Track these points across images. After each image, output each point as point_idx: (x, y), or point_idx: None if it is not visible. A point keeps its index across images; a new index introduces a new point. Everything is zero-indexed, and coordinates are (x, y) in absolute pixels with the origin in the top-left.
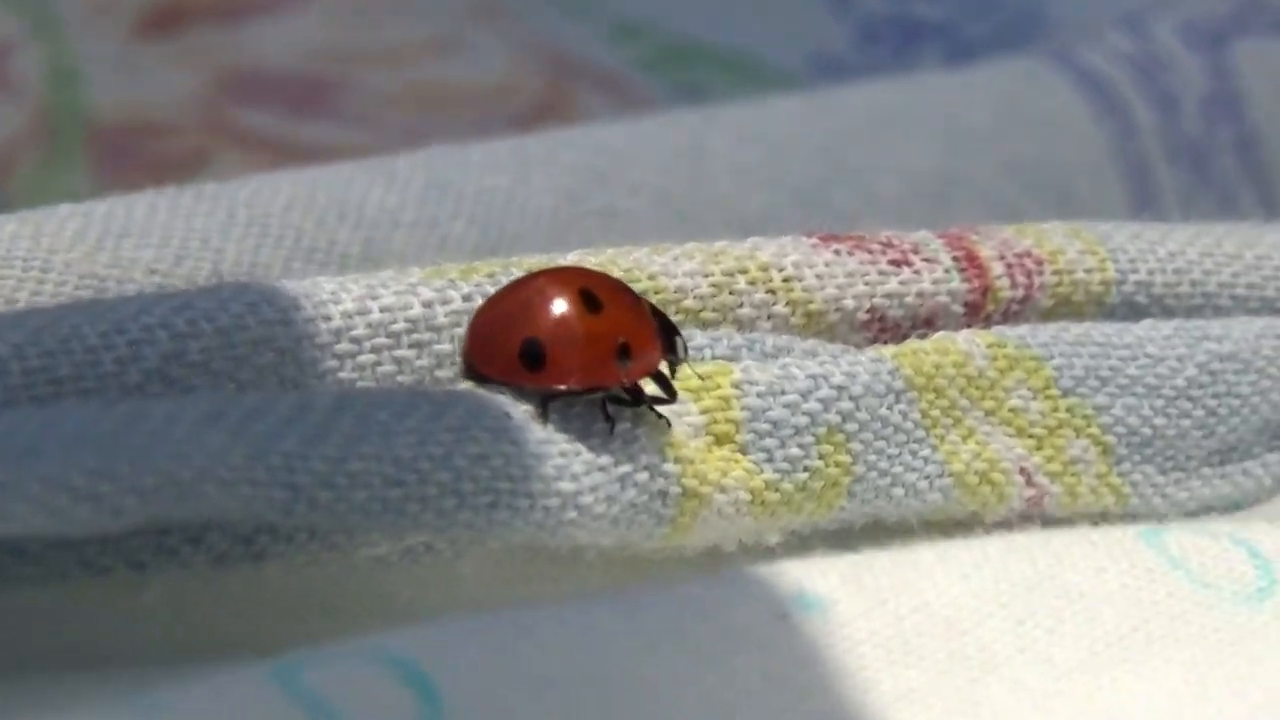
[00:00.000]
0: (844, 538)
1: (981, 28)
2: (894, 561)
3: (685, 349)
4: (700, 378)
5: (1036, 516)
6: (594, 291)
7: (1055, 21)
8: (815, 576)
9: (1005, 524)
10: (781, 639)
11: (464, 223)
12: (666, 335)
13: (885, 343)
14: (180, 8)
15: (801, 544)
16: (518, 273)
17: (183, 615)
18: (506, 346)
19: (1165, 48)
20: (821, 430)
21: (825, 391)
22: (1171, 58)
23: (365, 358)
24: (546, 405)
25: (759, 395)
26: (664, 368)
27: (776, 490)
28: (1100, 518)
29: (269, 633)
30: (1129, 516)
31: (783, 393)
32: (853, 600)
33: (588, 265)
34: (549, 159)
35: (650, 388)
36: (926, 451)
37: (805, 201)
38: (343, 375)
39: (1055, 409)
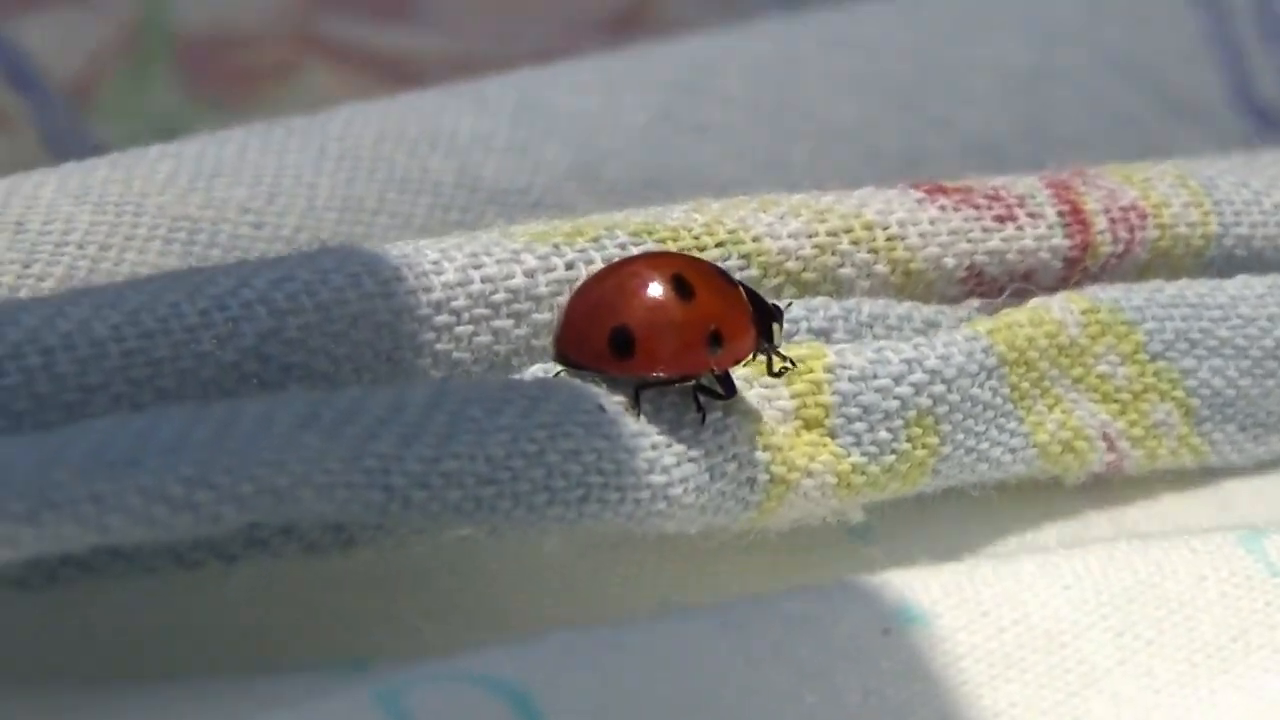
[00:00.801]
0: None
1: None
2: (995, 573)
3: (782, 334)
4: (791, 364)
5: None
6: (686, 277)
7: None
8: (918, 589)
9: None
10: (884, 654)
11: (557, 145)
12: (763, 321)
13: (980, 295)
14: None
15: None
16: (622, 235)
17: (268, 600)
18: (596, 335)
19: None
20: (912, 414)
21: (919, 376)
22: None
23: (463, 329)
24: (639, 395)
25: (851, 380)
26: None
27: (863, 473)
28: (1177, 478)
29: (355, 608)
30: (1203, 470)
31: (875, 377)
32: (955, 613)
33: (694, 226)
34: (638, 77)
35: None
36: (1013, 425)
37: (899, 105)
38: (439, 347)
39: (1143, 374)
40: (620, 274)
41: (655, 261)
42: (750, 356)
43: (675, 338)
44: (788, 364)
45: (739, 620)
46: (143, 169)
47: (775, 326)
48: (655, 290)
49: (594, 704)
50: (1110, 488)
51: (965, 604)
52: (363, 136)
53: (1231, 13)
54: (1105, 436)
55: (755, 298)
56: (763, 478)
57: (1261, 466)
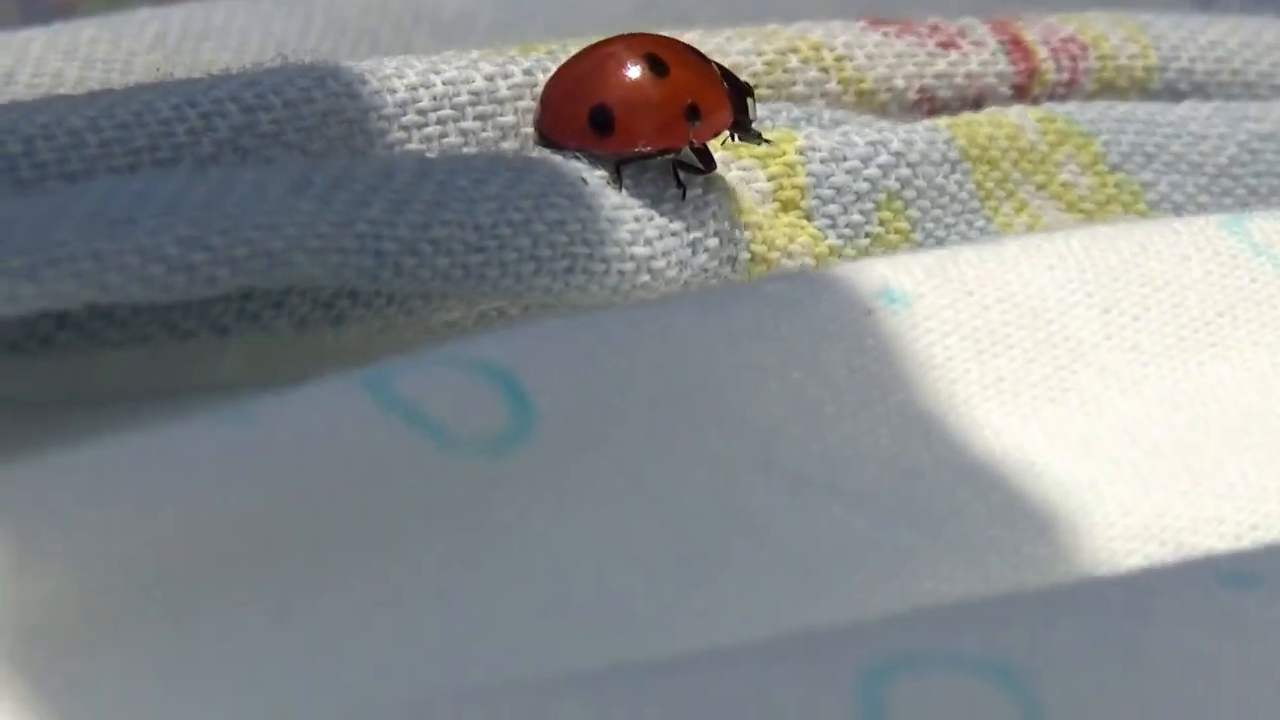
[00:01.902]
0: None
1: None
2: (979, 255)
3: (755, 108)
4: (767, 143)
5: None
6: (660, 56)
7: None
8: (900, 271)
9: None
10: (867, 333)
11: (540, 27)
12: (738, 95)
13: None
14: None
15: None
16: (575, 49)
17: (260, 378)
18: (577, 113)
19: None
20: (881, 196)
21: (884, 158)
22: None
23: (431, 129)
24: (620, 170)
25: (822, 161)
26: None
27: (840, 255)
28: None
29: None
30: None
31: (844, 159)
32: (938, 293)
33: None
34: None
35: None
36: (981, 223)
37: (881, 6)
38: (410, 147)
39: (1104, 184)
40: (596, 55)
41: (630, 42)
42: (727, 133)
43: (654, 112)
44: (765, 141)
45: (720, 301)
46: (131, 29)
47: (750, 100)
48: (632, 68)
49: (578, 380)
50: None
51: (949, 284)
52: (348, 9)
53: None
54: None
55: (728, 74)
56: (744, 256)
57: None
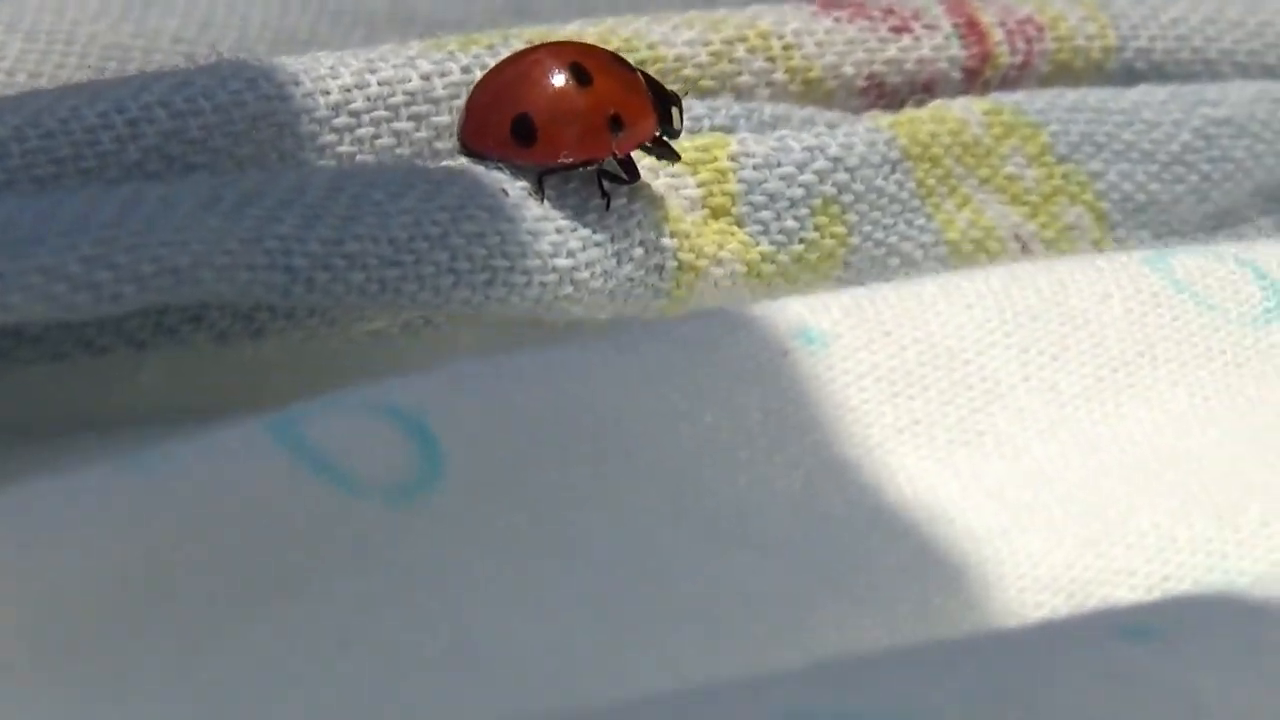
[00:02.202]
0: None
1: None
2: (897, 295)
3: (681, 119)
4: (697, 150)
5: None
6: (584, 65)
7: None
8: (818, 311)
9: None
10: (783, 374)
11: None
12: (663, 106)
13: (883, 109)
14: None
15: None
16: (518, 44)
17: (180, 393)
18: (499, 123)
19: None
20: (817, 202)
21: (821, 164)
22: None
23: (364, 130)
24: (542, 181)
25: (755, 168)
26: (661, 139)
27: (773, 262)
28: None
29: (267, 407)
30: None
31: (779, 165)
32: (855, 333)
33: (586, 37)
34: None
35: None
36: (922, 221)
37: None
38: (341, 149)
39: (1050, 176)
40: (520, 64)
41: (554, 50)
42: (651, 141)
43: (576, 122)
44: (692, 150)
45: (633, 343)
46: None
47: (674, 110)
48: (555, 77)
49: (488, 425)
50: None
51: (865, 324)
52: None
53: None
54: (1018, 238)
55: (654, 84)
56: (671, 264)
57: None
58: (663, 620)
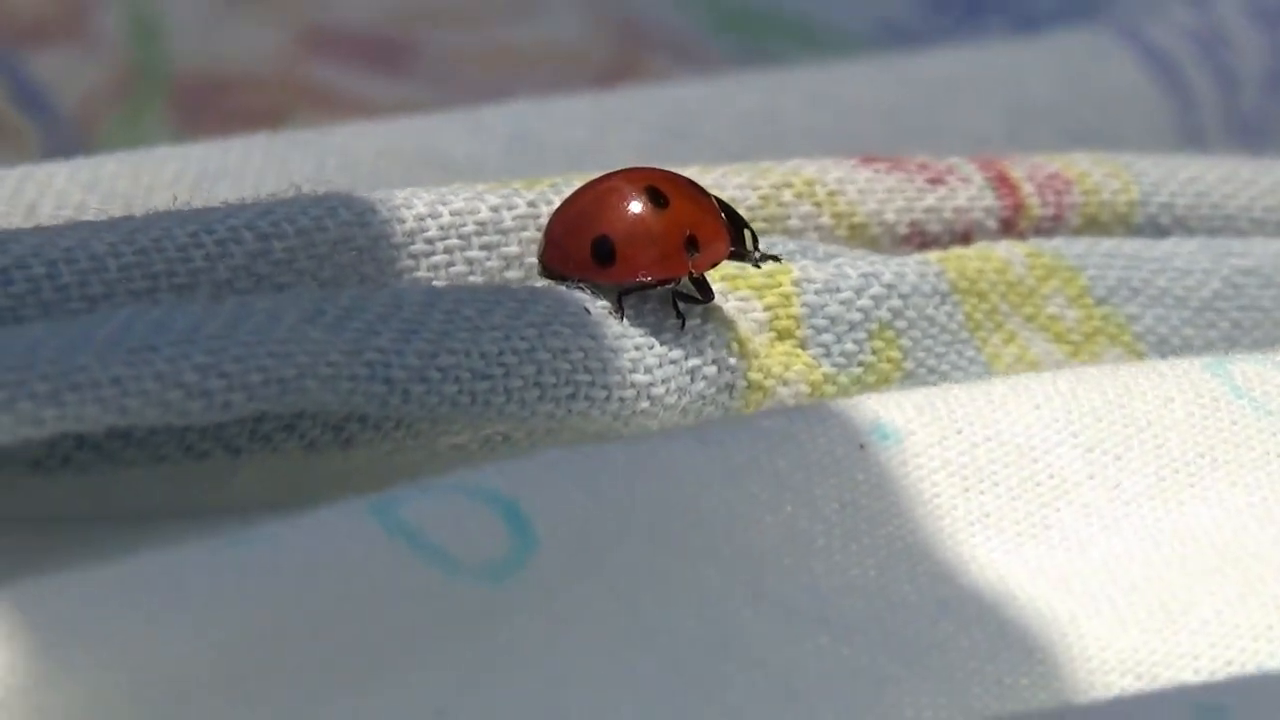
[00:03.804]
0: None
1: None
2: (968, 394)
3: (756, 239)
4: (763, 276)
5: None
6: (660, 188)
7: None
8: (891, 408)
9: None
10: (858, 468)
11: (546, 172)
12: (735, 228)
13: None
14: None
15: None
16: (579, 183)
17: (270, 499)
18: (579, 245)
19: (1228, 24)
20: (874, 326)
21: (876, 289)
22: (1234, 34)
23: (438, 258)
24: (621, 301)
25: (816, 292)
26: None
27: (834, 383)
28: None
29: None
30: None
31: (838, 290)
32: (928, 430)
33: None
34: (628, 115)
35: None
36: (971, 352)
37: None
38: (418, 275)
39: (1090, 316)
40: (598, 189)
41: (630, 176)
42: (724, 258)
43: (654, 244)
44: (770, 258)
45: (718, 437)
46: (150, 165)
47: (747, 231)
48: (632, 200)
49: (578, 509)
50: None
51: (938, 421)
52: (361, 151)
53: (1198, 105)
54: None
55: (726, 208)
56: (741, 383)
57: None
58: (747, 697)
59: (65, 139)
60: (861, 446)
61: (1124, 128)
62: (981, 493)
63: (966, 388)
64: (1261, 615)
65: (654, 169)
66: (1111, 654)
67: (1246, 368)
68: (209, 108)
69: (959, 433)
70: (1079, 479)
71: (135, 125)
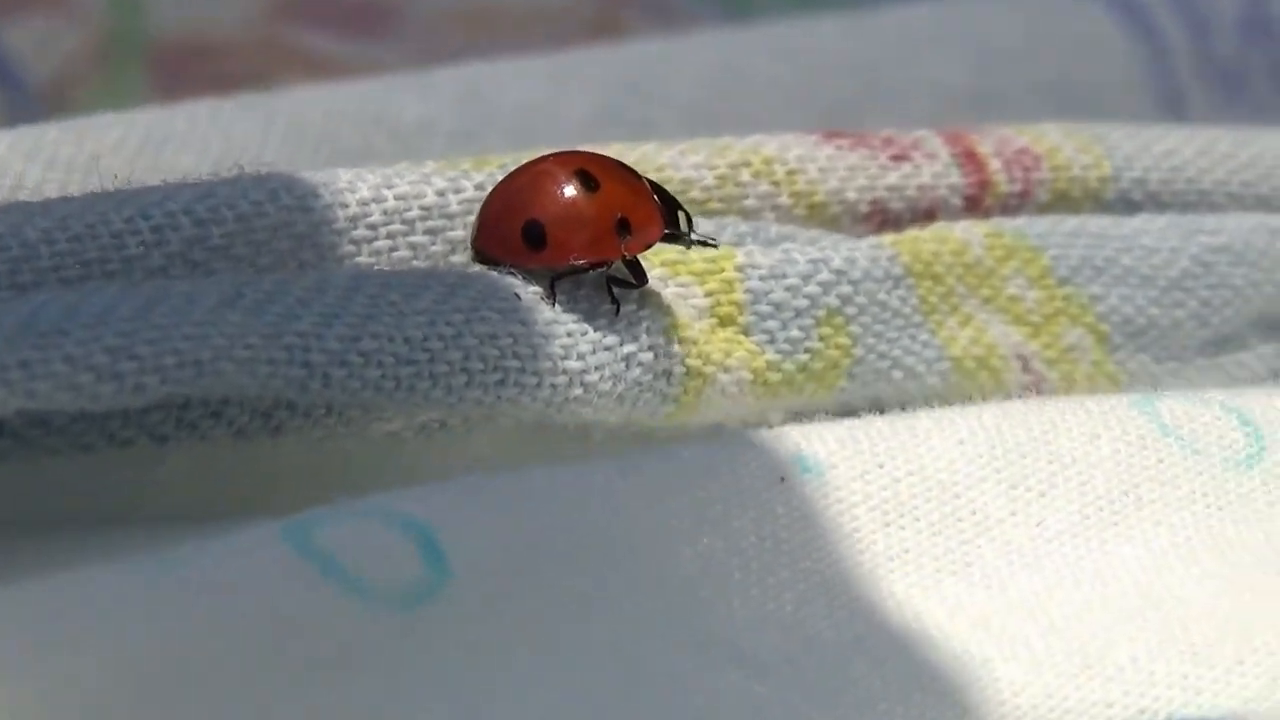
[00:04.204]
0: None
1: None
2: (891, 427)
3: (690, 221)
4: (705, 261)
5: None
6: (591, 171)
7: None
8: (814, 441)
9: None
10: (778, 501)
11: (500, 133)
12: (669, 210)
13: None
14: None
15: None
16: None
17: (199, 488)
18: (510, 229)
19: None
20: (821, 313)
21: (825, 275)
22: None
23: (381, 243)
24: (554, 286)
25: (761, 278)
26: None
27: (778, 370)
28: None
29: (284, 505)
30: None
31: (784, 276)
32: (850, 463)
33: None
34: (585, 73)
35: (658, 270)
36: (925, 336)
37: (837, 120)
38: (360, 260)
39: (1051, 297)
40: (529, 173)
41: (561, 159)
42: (657, 241)
43: (585, 227)
44: (706, 241)
45: (637, 465)
46: (95, 132)
47: (681, 213)
48: (563, 184)
49: (493, 537)
50: None
51: (860, 455)
52: (310, 114)
53: (1170, 51)
54: (1019, 356)
55: (659, 189)
56: (679, 370)
57: None
58: None
59: (40, 109)
60: (782, 479)
61: (1094, 76)
62: (902, 528)
63: (890, 420)
64: (1178, 664)
65: (586, 152)
66: (1025, 699)
67: (1175, 405)
68: (188, 75)
69: (881, 466)
70: (1001, 515)
71: (113, 94)
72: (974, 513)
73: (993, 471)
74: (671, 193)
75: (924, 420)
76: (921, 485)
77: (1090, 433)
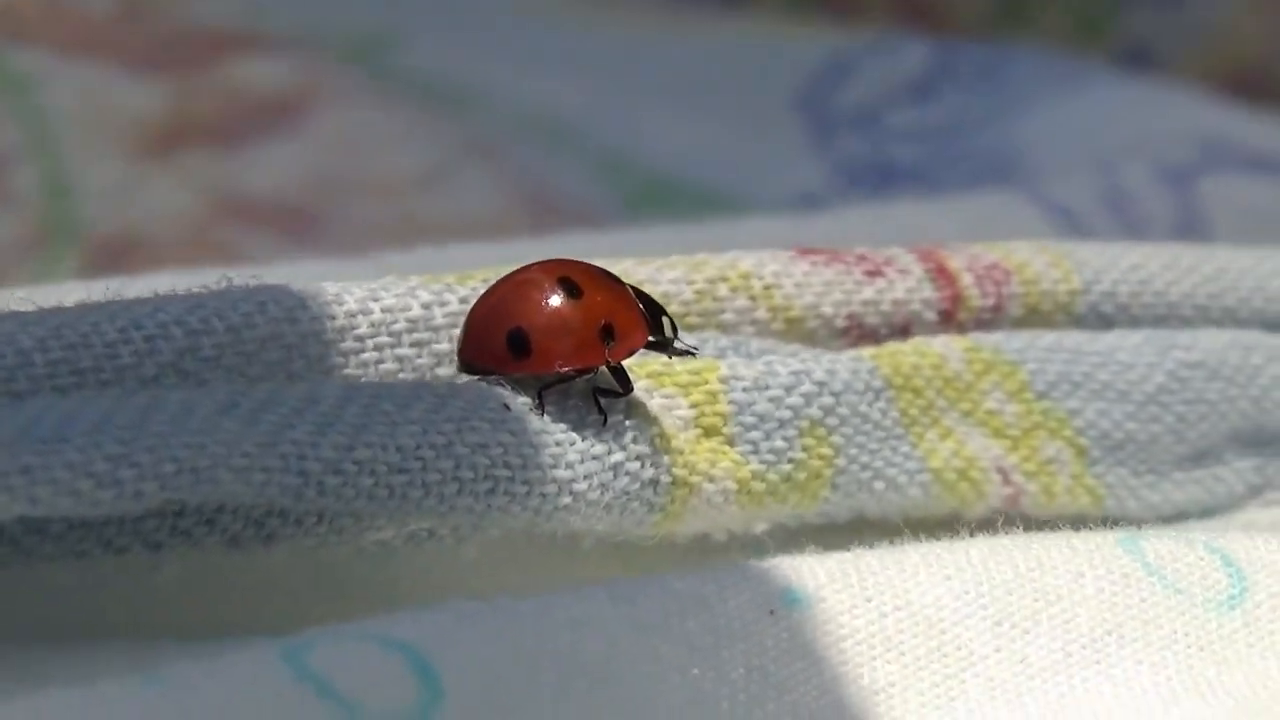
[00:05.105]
0: (830, 534)
1: (956, 173)
2: (880, 561)
3: (675, 327)
4: (689, 373)
5: (1016, 517)
6: (574, 279)
7: (1030, 168)
8: (804, 573)
9: (988, 525)
10: (767, 633)
11: None
12: (653, 317)
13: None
14: (177, 131)
15: (791, 540)
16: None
17: (194, 595)
18: (495, 337)
19: (1134, 183)
20: (804, 424)
21: (807, 387)
22: (1140, 191)
23: (368, 355)
24: (542, 396)
25: (744, 390)
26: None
27: (763, 480)
28: (1078, 520)
29: (277, 614)
30: (1106, 519)
31: (767, 387)
32: (838, 596)
33: None
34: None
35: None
36: (906, 448)
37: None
38: (348, 371)
39: (1030, 411)
40: (512, 281)
41: (546, 268)
42: (642, 346)
43: (569, 334)
44: (689, 350)
45: (629, 594)
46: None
47: (665, 319)
48: (546, 292)
49: (487, 663)
50: None
51: (849, 589)
52: None
53: None
54: (1000, 469)
55: (643, 296)
56: (665, 479)
57: (1163, 520)
58: None
59: None
60: (771, 612)
61: None
62: (888, 662)
63: (879, 555)
64: None
65: (569, 260)
66: None
67: (1159, 545)
68: (120, 265)
69: (869, 600)
70: (986, 651)
71: (48, 279)
72: (959, 648)
73: (979, 608)
74: (653, 298)
75: (912, 555)
76: (909, 620)
77: (1076, 570)
